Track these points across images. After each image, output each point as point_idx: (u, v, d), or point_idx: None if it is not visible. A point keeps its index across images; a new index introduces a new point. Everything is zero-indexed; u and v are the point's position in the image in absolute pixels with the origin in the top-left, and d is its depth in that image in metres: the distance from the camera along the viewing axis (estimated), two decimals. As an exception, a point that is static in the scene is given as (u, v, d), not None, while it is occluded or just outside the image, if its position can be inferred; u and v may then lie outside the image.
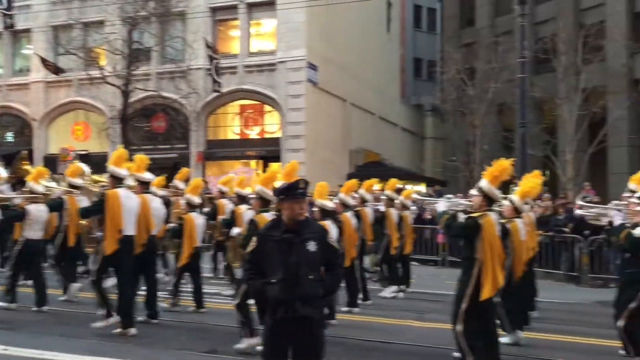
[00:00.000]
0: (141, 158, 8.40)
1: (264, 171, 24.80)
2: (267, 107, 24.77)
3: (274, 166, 8.34)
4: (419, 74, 38.43)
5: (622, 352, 6.83)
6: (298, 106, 23.62)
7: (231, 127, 25.57)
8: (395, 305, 10.20)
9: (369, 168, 26.65)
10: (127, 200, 7.62)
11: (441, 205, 6.88)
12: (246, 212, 7.90)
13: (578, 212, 9.07)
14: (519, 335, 7.56)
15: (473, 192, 6.34)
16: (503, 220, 7.33)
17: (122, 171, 7.77)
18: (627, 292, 6.40)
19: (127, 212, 7.52)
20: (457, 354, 6.10)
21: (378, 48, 30.35)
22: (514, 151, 21.07)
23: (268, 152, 24.21)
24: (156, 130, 25.45)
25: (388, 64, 32.31)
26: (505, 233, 7.11)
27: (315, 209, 8.29)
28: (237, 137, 25.39)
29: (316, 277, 4.24)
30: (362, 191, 10.56)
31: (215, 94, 24.04)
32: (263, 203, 6.84)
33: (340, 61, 25.66)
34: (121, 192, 7.61)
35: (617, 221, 5.93)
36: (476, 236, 5.83)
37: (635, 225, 5.59)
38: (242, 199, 8.90)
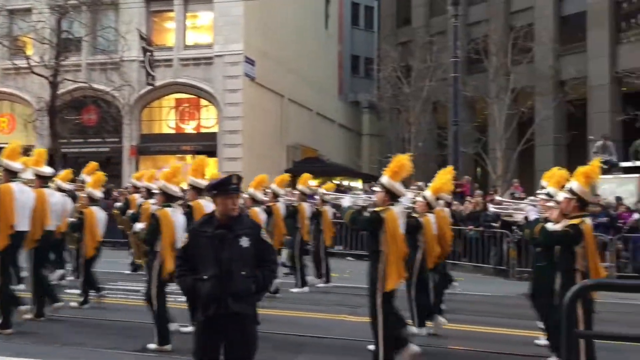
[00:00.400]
0: (40, 152, 8.26)
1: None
2: (203, 102, 24.39)
3: (175, 163, 8.16)
4: (357, 71, 38.80)
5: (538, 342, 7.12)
6: (235, 101, 23.38)
7: (166, 121, 25.03)
8: (330, 300, 10.27)
9: (306, 164, 26.73)
10: (21, 194, 7.36)
11: (346, 200, 7.08)
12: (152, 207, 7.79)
13: (492, 209, 9.44)
14: (440, 321, 7.83)
15: (376, 188, 6.54)
16: (416, 215, 7.59)
17: (16, 165, 7.48)
18: (540, 286, 6.61)
19: (20, 207, 7.28)
20: (371, 347, 6.25)
21: (316, 44, 30.44)
22: (447, 148, 21.67)
23: (204, 147, 23.83)
24: (87, 124, 24.60)
25: (326, 60, 32.46)
26: (418, 227, 7.35)
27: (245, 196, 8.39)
28: (173, 131, 24.89)
29: (249, 274, 4.21)
30: (274, 186, 10.65)
31: (149, 87, 23.46)
32: (166, 198, 6.84)
33: (278, 56, 25.57)
34: (14, 186, 7.33)
35: (532, 216, 6.21)
36: (379, 230, 6.06)
37: (547, 220, 5.88)
38: (151, 194, 8.65)
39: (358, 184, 25.75)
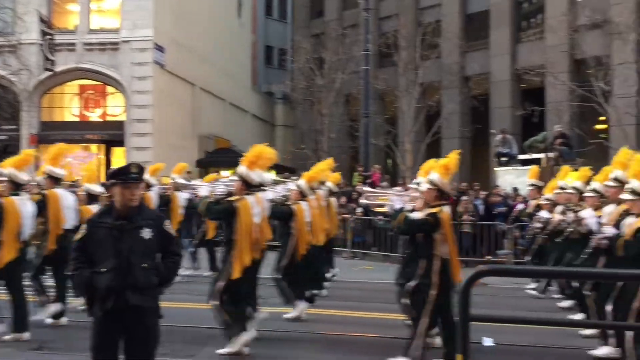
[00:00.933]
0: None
1: (107, 156, 23.65)
2: (109, 89, 23.42)
3: (27, 151, 7.92)
4: (270, 62, 38.64)
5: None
6: (144, 89, 22.62)
7: (69, 108, 23.85)
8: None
9: (219, 154, 26.38)
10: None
11: (203, 190, 7.17)
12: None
13: (363, 201, 9.80)
14: (302, 308, 8.09)
15: (234, 178, 6.80)
16: (289, 203, 8.05)
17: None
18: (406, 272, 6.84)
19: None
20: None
21: (229, 34, 30.00)
22: (358, 140, 22.06)
23: (111, 136, 22.97)
24: (-20, 110, 22.99)
25: (239, 50, 32.07)
26: (290, 215, 7.82)
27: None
28: (77, 119, 23.75)
29: (150, 266, 4.09)
30: (146, 176, 10.27)
31: (49, 72, 22.23)
32: (13, 186, 6.74)
33: (190, 45, 24.98)
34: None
35: (397, 206, 6.53)
36: (232, 219, 6.25)
37: (412, 210, 6.22)
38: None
39: (271, 175, 25.69)
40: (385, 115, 26.06)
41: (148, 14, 22.46)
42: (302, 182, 8.34)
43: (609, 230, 6.19)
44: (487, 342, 6.94)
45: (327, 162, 8.69)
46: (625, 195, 6.00)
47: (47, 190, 7.71)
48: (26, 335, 6.67)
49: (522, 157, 17.49)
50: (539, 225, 9.48)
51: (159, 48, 22.96)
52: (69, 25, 23.32)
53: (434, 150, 24.75)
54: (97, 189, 8.40)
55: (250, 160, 6.51)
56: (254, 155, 6.55)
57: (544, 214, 9.47)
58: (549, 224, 9.05)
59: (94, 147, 23.59)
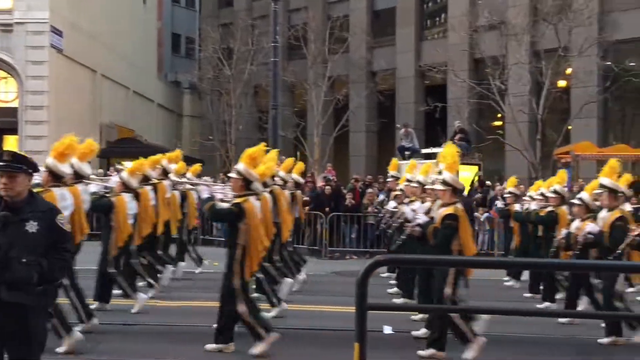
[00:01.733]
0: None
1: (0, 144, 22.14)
2: (1, 73, 21.92)
3: None
4: (177, 50, 37.67)
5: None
6: (40, 74, 21.34)
7: (-45, 92, 22.11)
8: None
9: (122, 144, 25.43)
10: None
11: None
12: None
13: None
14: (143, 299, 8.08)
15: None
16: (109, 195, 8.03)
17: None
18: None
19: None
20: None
21: (133, 19, 28.89)
22: (267, 132, 21.99)
23: (3, 123, 21.53)
24: None
25: (144, 37, 30.98)
26: (110, 207, 7.72)
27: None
28: (-37, 104, 22.08)
29: (31, 261, 3.82)
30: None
31: None
32: None
33: (90, 29, 23.83)
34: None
35: (204, 195, 6.76)
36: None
37: (222, 200, 6.48)
38: None
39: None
40: (294, 108, 26.15)
41: (44, -5, 21.21)
42: (124, 174, 8.19)
43: (422, 218, 6.65)
44: (387, 330, 7.15)
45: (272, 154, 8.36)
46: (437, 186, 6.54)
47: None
48: None
49: (424, 151, 18.14)
50: (388, 215, 9.89)
51: (56, 31, 21.75)
52: (-46, 3, 21.59)
53: (342, 143, 25.20)
54: None
55: (59, 151, 6.37)
56: (63, 146, 6.42)
57: (392, 204, 9.89)
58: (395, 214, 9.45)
59: (-17, 134, 22.04)
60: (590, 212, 7.60)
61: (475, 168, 16.43)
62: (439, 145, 17.94)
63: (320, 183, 15.95)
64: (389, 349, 6.49)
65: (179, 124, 35.63)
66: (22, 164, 3.90)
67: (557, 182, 9.37)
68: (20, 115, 21.47)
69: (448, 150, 6.84)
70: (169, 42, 36.88)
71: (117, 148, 24.85)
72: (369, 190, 15.22)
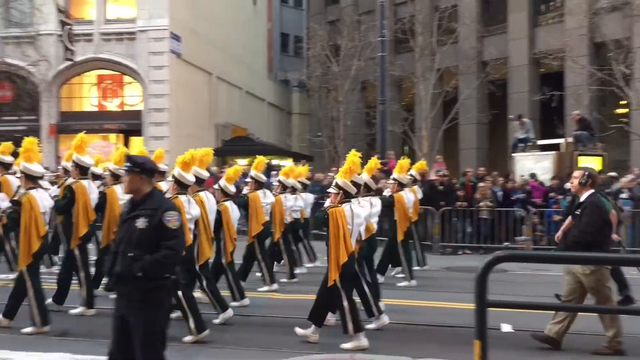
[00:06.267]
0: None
1: (126, 145, 23.84)
2: (127, 78, 23.58)
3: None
4: (286, 50, 38.58)
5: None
6: (161, 78, 22.74)
7: (88, 98, 24.07)
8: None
9: (236, 143, 26.49)
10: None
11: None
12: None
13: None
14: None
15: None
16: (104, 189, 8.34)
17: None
18: None
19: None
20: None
21: (245, 22, 29.98)
22: (375, 127, 21.98)
23: (129, 125, 23.16)
24: (1, 101, 23.30)
25: (255, 38, 32.07)
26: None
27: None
28: (95, 109, 23.98)
29: (137, 256, 4.12)
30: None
31: (68, 63, 22.43)
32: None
33: (206, 33, 25.02)
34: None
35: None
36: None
37: None
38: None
39: (288, 162, 25.74)
40: (402, 102, 25.91)
41: (164, 3, 22.54)
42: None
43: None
44: (506, 328, 6.94)
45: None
46: None
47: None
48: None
49: (540, 142, 17.33)
50: None
51: (175, 37, 23.04)
52: (85, 16, 23.47)
53: (451, 136, 24.64)
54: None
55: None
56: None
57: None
58: None
59: (112, 136, 23.80)
60: None
61: (599, 159, 15.47)
62: (557, 136, 17.08)
63: (431, 177, 15.70)
64: (508, 348, 6.30)
65: (288, 121, 36.54)
66: (132, 166, 4.25)
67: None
68: (144, 117, 22.97)
69: None
70: (278, 42, 37.87)
71: (232, 146, 25.92)
72: (481, 184, 14.78)
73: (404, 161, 10.31)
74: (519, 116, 17.60)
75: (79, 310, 7.51)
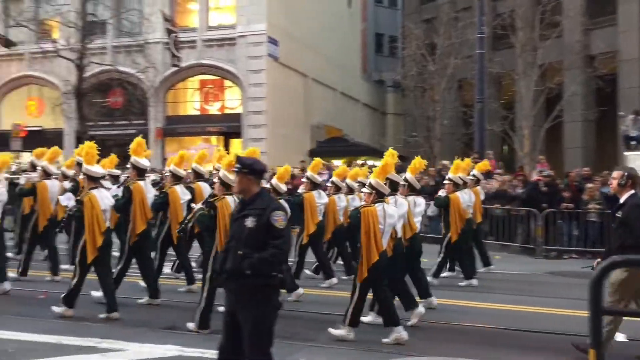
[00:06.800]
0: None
1: (226, 147, 24.73)
2: (227, 82, 24.46)
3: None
4: (381, 50, 38.45)
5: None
6: (259, 81, 23.39)
7: (191, 102, 25.19)
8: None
9: (330, 144, 26.73)
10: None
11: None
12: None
13: None
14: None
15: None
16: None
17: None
18: None
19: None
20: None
21: (339, 23, 30.20)
22: (472, 126, 21.42)
23: (229, 127, 23.99)
24: (113, 106, 24.91)
25: (350, 39, 32.21)
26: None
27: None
28: (197, 112, 25.05)
29: (246, 253, 4.26)
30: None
31: (173, 69, 23.60)
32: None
33: (301, 36, 25.45)
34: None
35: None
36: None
37: None
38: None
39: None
40: (501, 100, 25.06)
41: (261, 8, 23.16)
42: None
43: None
44: (619, 337, 6.53)
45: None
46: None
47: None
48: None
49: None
50: None
51: (273, 41, 23.61)
52: (190, 24, 24.58)
53: (555, 135, 23.51)
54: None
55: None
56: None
57: None
58: None
59: (213, 139, 24.76)
60: None
61: None
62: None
63: (534, 177, 15.07)
64: (620, 359, 5.93)
65: (383, 121, 36.40)
66: (241, 167, 4.37)
67: None
68: (243, 120, 23.72)
69: None
70: (373, 43, 37.81)
71: (326, 147, 26.18)
72: (589, 184, 14.00)
73: (460, 161, 10.18)
74: (635, 112, 16.45)
75: (144, 300, 8.08)
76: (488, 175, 16.52)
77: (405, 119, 31.54)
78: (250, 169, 4.37)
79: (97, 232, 7.15)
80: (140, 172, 8.08)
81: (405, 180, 8.03)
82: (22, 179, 10.82)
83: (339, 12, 30.47)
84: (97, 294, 7.82)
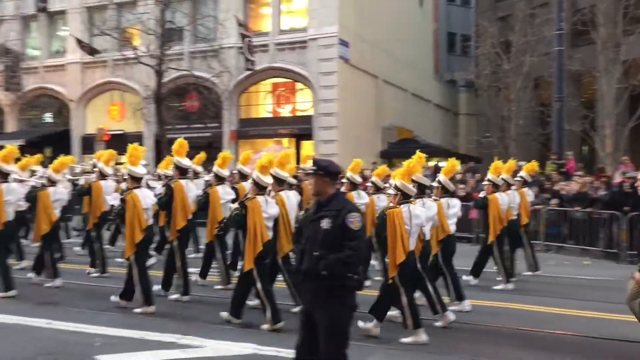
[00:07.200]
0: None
1: (297, 149, 25.02)
2: (299, 85, 24.73)
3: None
4: (453, 49, 37.81)
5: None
6: (330, 83, 23.52)
7: (263, 105, 25.64)
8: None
9: (402, 145, 26.50)
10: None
11: None
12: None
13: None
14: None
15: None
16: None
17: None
18: None
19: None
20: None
21: (411, 23, 29.93)
22: (550, 126, 20.70)
23: (300, 130, 24.23)
24: (189, 110, 25.71)
25: (421, 39, 31.85)
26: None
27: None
28: (270, 115, 25.45)
29: (321, 254, 4.33)
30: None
31: (247, 73, 24.10)
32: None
33: (372, 37, 25.39)
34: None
35: None
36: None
37: None
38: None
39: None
40: (581, 98, 24.09)
41: (332, 11, 23.28)
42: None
43: None
44: None
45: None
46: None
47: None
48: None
49: None
50: None
51: (344, 43, 23.68)
52: (262, 28, 25.04)
53: (639, 135, 22.35)
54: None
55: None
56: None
57: None
58: None
59: (285, 141, 25.09)
60: None
61: None
62: None
63: (617, 179, 14.39)
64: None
65: (455, 122, 35.78)
66: (317, 169, 4.43)
67: None
68: (314, 122, 23.92)
69: None
70: (445, 42, 37.25)
71: (397, 148, 25.99)
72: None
73: (500, 163, 10.19)
74: None
75: (174, 296, 8.40)
76: (567, 176, 15.95)
77: (478, 119, 30.87)
78: (325, 170, 4.42)
79: (137, 229, 7.59)
80: (182, 172, 8.62)
81: (439, 182, 8.12)
82: (81, 180, 11.51)
83: (410, 12, 30.20)
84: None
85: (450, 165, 8.08)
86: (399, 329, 6.91)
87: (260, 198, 7.03)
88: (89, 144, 25.49)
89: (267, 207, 7.07)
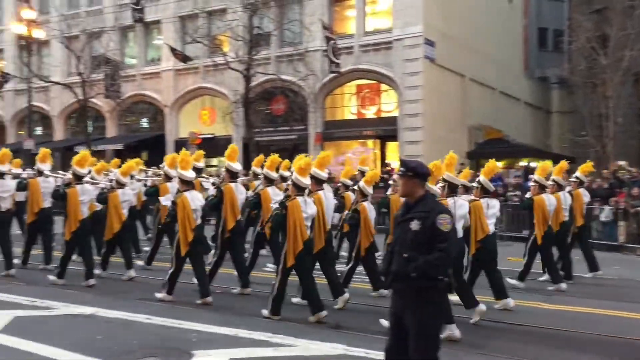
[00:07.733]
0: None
1: (382, 150, 24.95)
2: (383, 86, 24.65)
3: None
4: (544, 45, 36.35)
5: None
6: (415, 84, 23.28)
7: (348, 107, 25.75)
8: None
9: (490, 145, 25.80)
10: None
11: None
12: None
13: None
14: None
15: None
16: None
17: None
18: None
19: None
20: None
21: (499, 20, 29.07)
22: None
23: (385, 131, 24.14)
24: (276, 113, 26.26)
25: (510, 36, 30.87)
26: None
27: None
28: (354, 117, 25.52)
29: (411, 257, 4.35)
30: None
31: (332, 75, 24.31)
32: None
33: (458, 36, 24.90)
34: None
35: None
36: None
37: None
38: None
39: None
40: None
41: (418, 11, 23.04)
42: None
43: None
44: None
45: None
46: None
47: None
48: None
49: None
50: None
51: (429, 43, 23.37)
52: (347, 30, 25.18)
53: None
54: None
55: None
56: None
57: None
58: None
59: (370, 142, 25.09)
60: None
61: None
62: None
63: None
64: None
65: (547, 121, 34.40)
66: (405, 171, 4.43)
67: None
68: (399, 123, 23.75)
69: None
70: (535, 38, 35.90)
71: (485, 149, 25.32)
72: None
73: (547, 163, 10.22)
74: None
75: (236, 290, 9.03)
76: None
77: (572, 117, 29.49)
78: (414, 172, 4.41)
79: (188, 229, 8.12)
80: (233, 175, 9.18)
81: (479, 182, 8.13)
82: (149, 182, 12.18)
83: (498, 8, 29.34)
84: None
85: (491, 165, 8.13)
86: (492, 334, 6.78)
87: (299, 198, 7.34)
88: (182, 148, 26.55)
89: (306, 207, 7.36)
